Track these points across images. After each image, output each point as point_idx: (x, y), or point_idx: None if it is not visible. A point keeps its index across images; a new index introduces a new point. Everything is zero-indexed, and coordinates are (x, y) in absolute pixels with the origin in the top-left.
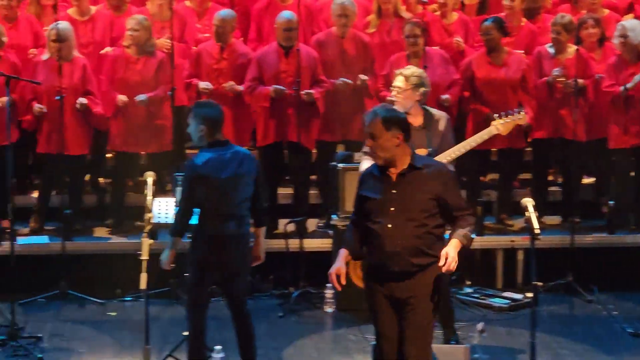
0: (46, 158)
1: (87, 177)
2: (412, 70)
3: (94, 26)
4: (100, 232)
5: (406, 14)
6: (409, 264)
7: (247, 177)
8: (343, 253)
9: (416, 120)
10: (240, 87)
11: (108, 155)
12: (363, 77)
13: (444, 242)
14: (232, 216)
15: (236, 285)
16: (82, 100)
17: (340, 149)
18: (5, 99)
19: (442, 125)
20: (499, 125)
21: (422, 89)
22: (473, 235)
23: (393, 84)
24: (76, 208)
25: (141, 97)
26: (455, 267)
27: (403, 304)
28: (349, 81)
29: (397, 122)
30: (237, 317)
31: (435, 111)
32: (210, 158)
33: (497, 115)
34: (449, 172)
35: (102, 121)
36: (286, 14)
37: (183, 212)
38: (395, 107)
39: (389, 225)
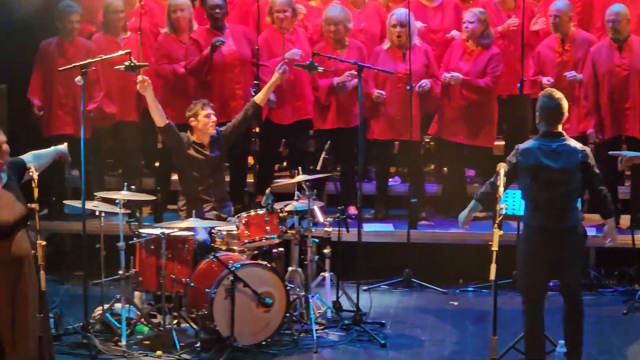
0: (377, 145)
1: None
2: None
3: (443, 14)
4: (443, 221)
5: None
6: None
7: (572, 170)
8: None
9: None
10: (580, 76)
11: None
12: None
13: None
14: (557, 208)
15: (567, 279)
16: (425, 82)
17: None
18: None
19: None
20: None
21: None
22: None
23: None
24: (420, 197)
25: (456, 74)
26: None
27: None
28: None
29: None
30: (568, 310)
31: None
32: (533, 147)
33: None
34: None
35: (434, 105)
36: (614, 7)
37: (491, 185)
38: None
39: None
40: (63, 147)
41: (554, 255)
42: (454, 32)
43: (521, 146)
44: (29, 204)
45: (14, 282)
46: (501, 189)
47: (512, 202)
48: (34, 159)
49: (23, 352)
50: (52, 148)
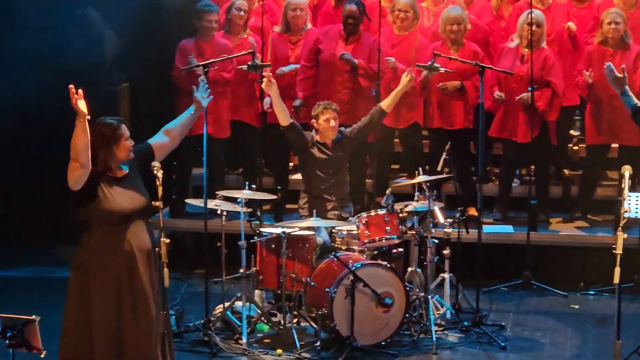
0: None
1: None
2: None
3: (552, 16)
4: (565, 224)
5: None
6: None
7: None
8: None
9: None
10: None
11: (574, 147)
12: None
13: None
14: None
15: None
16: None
17: None
18: (457, 83)
19: None
20: None
21: None
22: None
23: None
24: (542, 198)
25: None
26: None
27: None
28: None
29: None
30: None
31: None
32: None
33: None
34: None
35: (544, 115)
36: None
37: None
38: None
39: None
40: (194, 106)
41: None
42: (570, 24)
43: None
44: (153, 202)
45: (132, 272)
46: (626, 191)
47: (635, 205)
48: (163, 135)
49: (144, 348)
50: (186, 112)
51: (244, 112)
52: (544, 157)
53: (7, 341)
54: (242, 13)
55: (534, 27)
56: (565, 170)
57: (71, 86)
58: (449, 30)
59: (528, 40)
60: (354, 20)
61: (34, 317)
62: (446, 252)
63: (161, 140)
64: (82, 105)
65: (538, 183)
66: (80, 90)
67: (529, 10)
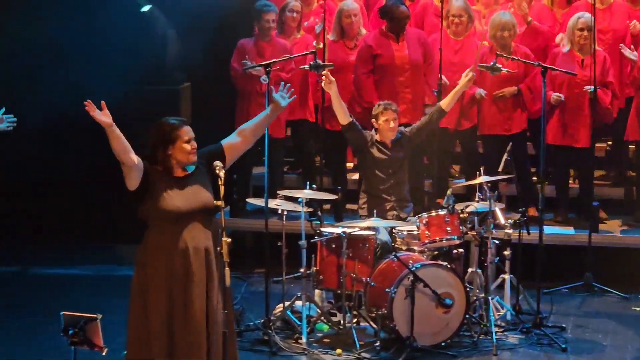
0: (554, 149)
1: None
2: None
3: (611, 15)
4: (626, 225)
5: None
6: None
7: None
8: None
9: None
10: None
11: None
12: None
13: None
14: None
15: None
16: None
17: None
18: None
19: None
20: None
21: None
22: None
23: None
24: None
25: None
26: None
27: None
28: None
29: None
30: None
31: None
32: None
33: None
34: None
35: (607, 113)
36: None
37: None
38: None
39: None
40: (270, 108)
41: None
42: (635, 22)
43: None
44: (215, 201)
45: (186, 272)
46: None
47: None
48: (236, 136)
49: (193, 350)
50: (262, 112)
51: (299, 111)
52: (592, 159)
53: (70, 339)
54: (295, 15)
55: (585, 32)
56: (628, 172)
57: (88, 101)
58: (499, 36)
59: (579, 45)
60: (408, 19)
61: (95, 315)
62: (507, 253)
63: (233, 141)
64: (102, 116)
65: (583, 184)
66: (102, 102)
67: (578, 15)
